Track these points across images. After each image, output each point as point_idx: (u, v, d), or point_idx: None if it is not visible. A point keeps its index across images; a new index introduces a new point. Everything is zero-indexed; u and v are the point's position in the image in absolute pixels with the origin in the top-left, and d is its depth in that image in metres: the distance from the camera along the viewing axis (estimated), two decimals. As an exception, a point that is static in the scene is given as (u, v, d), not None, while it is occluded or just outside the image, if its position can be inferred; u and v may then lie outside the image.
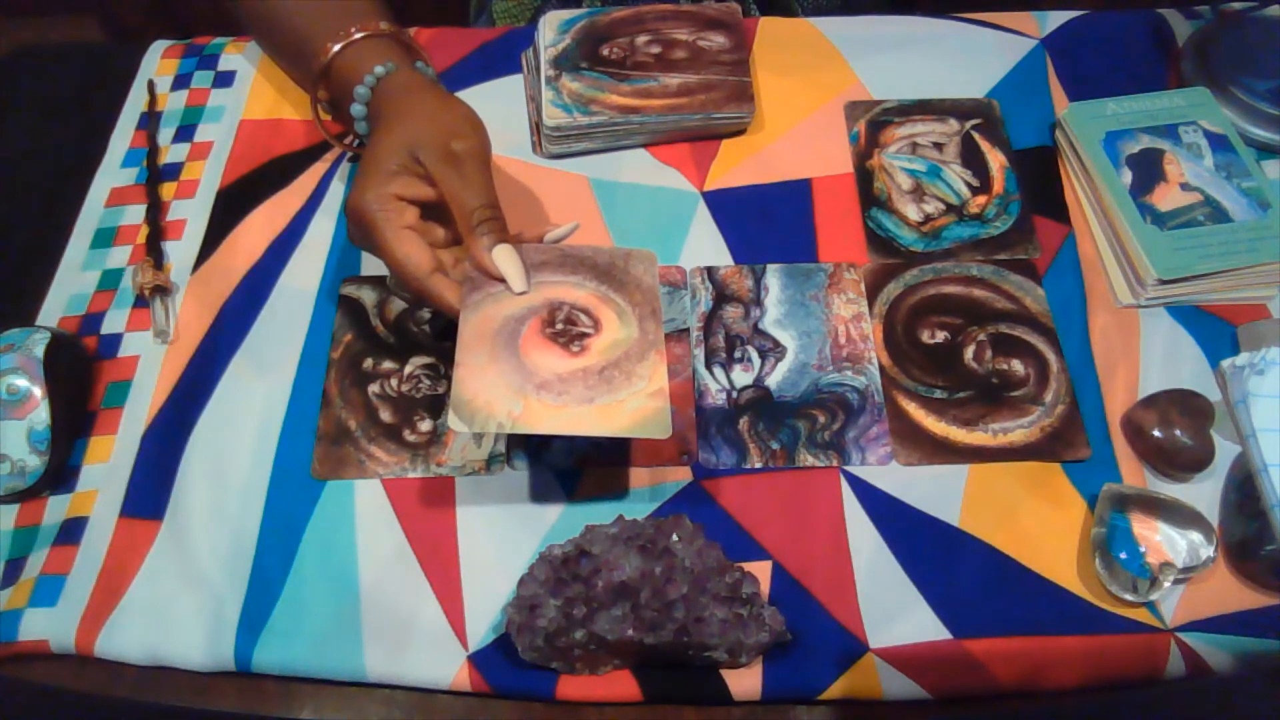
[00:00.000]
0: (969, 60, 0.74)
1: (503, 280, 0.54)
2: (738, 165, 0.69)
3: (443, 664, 0.51)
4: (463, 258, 0.56)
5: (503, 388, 0.51)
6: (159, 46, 0.77)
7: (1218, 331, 0.62)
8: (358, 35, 0.61)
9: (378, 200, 0.54)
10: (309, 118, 0.69)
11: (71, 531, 0.56)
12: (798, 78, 0.73)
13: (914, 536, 0.55)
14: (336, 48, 0.61)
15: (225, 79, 0.75)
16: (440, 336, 0.62)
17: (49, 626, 0.53)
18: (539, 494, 0.57)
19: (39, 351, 0.57)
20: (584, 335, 0.53)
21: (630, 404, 0.51)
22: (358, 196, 0.55)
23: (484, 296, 0.54)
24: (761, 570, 0.54)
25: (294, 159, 0.70)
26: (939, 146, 0.70)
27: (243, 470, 0.57)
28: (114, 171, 0.70)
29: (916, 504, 0.56)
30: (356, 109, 0.61)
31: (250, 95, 0.74)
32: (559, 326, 0.54)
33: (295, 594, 0.54)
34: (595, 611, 0.49)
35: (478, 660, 0.52)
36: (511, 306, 0.54)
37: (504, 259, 0.54)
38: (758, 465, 0.57)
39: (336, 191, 0.69)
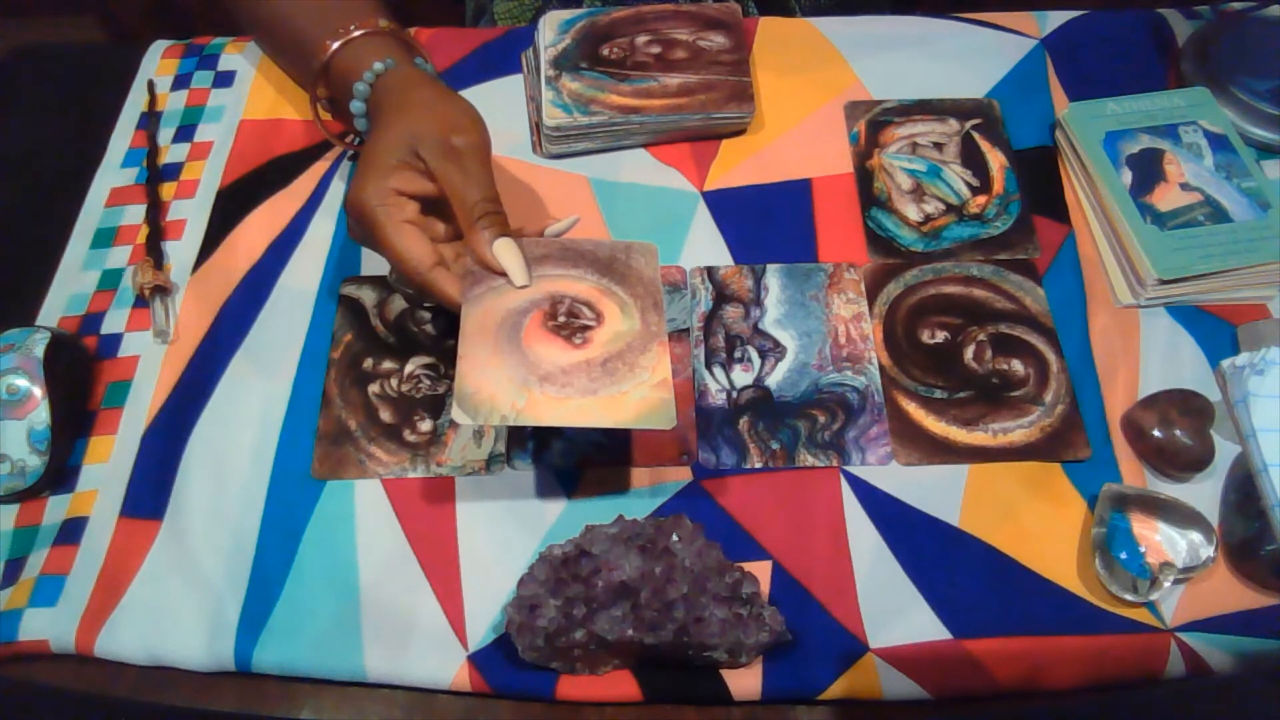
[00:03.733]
0: (969, 60, 0.74)
1: (504, 274, 0.54)
2: (738, 165, 0.69)
3: (443, 664, 0.52)
4: (464, 252, 0.56)
5: (506, 381, 0.51)
6: (159, 46, 0.77)
7: (1218, 331, 0.62)
8: (356, 33, 0.61)
9: (377, 195, 0.54)
10: (309, 117, 0.69)
11: (71, 531, 0.56)
12: (798, 78, 0.73)
13: (914, 536, 0.55)
14: (335, 45, 0.61)
15: (225, 79, 0.75)
16: (442, 334, 0.62)
17: (49, 626, 0.53)
18: (539, 494, 0.57)
19: (39, 351, 0.57)
20: (586, 327, 0.53)
21: (634, 395, 0.51)
22: (357, 191, 0.55)
23: (485, 290, 0.54)
24: (761, 570, 0.54)
25: (294, 159, 0.70)
26: (939, 146, 0.70)
27: (243, 470, 0.57)
28: (114, 171, 0.70)
29: (916, 504, 0.56)
30: (356, 106, 0.61)
31: (250, 95, 0.74)
32: (561, 319, 0.54)
33: (295, 594, 0.54)
34: (595, 611, 0.49)
35: (478, 660, 0.52)
36: (513, 300, 0.54)
37: (504, 253, 0.54)
38: (758, 465, 0.57)
39: (336, 191, 0.69)
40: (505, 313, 0.54)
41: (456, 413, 0.50)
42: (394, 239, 0.54)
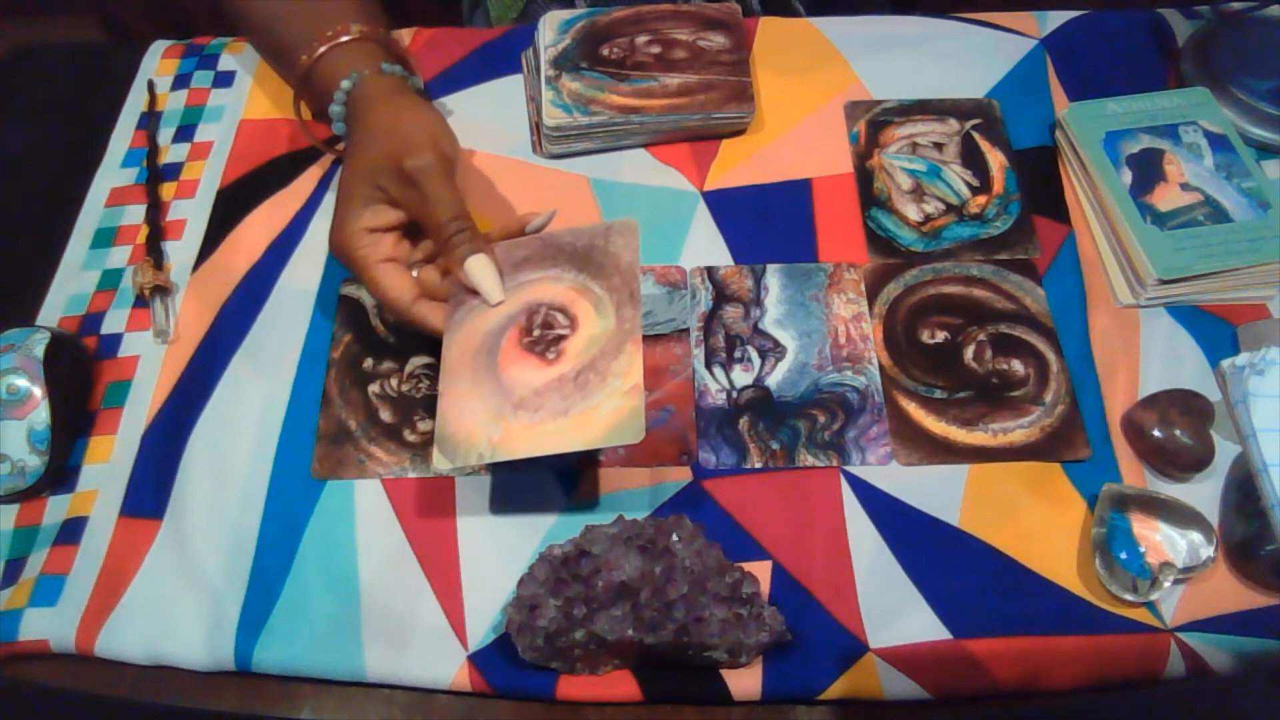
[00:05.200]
0: (969, 60, 0.74)
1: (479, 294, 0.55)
2: (738, 165, 0.69)
3: (443, 664, 0.52)
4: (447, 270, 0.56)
5: (482, 414, 0.51)
6: (159, 46, 0.77)
7: (1218, 331, 0.62)
8: (327, 45, 0.61)
9: (353, 238, 0.56)
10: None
11: (71, 531, 0.56)
12: (798, 78, 0.73)
13: (914, 536, 0.55)
14: (309, 61, 0.62)
15: (225, 79, 0.75)
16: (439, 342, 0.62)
17: (49, 626, 0.53)
18: (539, 494, 0.57)
19: (39, 351, 0.57)
20: (560, 338, 0.53)
21: (605, 407, 0.50)
22: (335, 237, 0.57)
23: (467, 312, 0.55)
24: (761, 570, 0.54)
25: (294, 159, 0.70)
26: (939, 146, 0.70)
27: (243, 470, 0.57)
28: (114, 171, 0.70)
29: (916, 504, 0.56)
30: (338, 127, 0.62)
31: (250, 95, 0.74)
32: (536, 334, 0.53)
33: (295, 594, 0.54)
34: (595, 611, 0.49)
35: (478, 660, 0.52)
36: (491, 319, 0.54)
37: (476, 272, 0.54)
38: (758, 465, 0.57)
39: (336, 192, 0.69)
40: (484, 335, 0.54)
41: (437, 457, 0.50)
42: (375, 279, 0.55)
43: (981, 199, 0.67)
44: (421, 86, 0.65)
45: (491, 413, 0.51)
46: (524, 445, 0.50)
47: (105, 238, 0.67)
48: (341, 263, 0.57)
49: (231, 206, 0.68)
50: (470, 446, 0.50)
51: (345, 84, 0.60)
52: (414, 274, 0.57)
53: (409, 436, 0.59)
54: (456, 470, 0.57)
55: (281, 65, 0.70)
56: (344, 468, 0.58)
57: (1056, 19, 0.76)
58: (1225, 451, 0.57)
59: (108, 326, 0.63)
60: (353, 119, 0.60)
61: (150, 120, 0.72)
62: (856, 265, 0.65)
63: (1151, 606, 0.52)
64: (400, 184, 0.55)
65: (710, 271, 0.64)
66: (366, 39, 0.62)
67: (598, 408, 0.50)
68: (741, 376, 0.60)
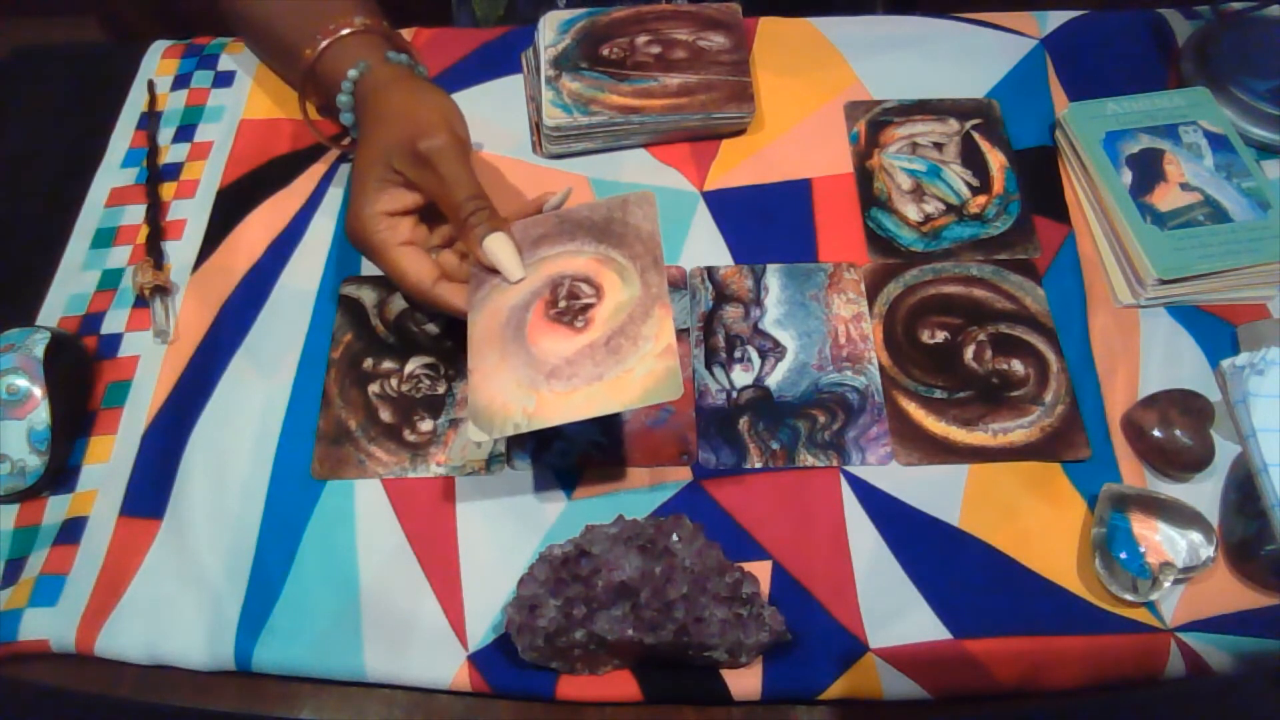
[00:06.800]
0: (969, 60, 0.74)
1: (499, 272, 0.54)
2: (738, 165, 0.69)
3: (443, 664, 0.52)
4: (466, 252, 0.56)
5: (515, 386, 0.51)
6: (159, 46, 0.77)
7: (1218, 331, 0.62)
8: (330, 39, 0.61)
9: (370, 222, 0.55)
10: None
11: (71, 531, 0.56)
12: (798, 78, 0.73)
13: (914, 536, 0.55)
14: (313, 55, 0.61)
15: (225, 79, 0.75)
16: (443, 334, 0.62)
17: (49, 626, 0.53)
18: (539, 494, 0.57)
19: (39, 351, 0.57)
20: (588, 307, 0.53)
21: (639, 370, 0.50)
22: (351, 221, 0.56)
23: (489, 291, 0.55)
24: (761, 570, 0.54)
25: (294, 159, 0.70)
26: (939, 146, 0.70)
27: (243, 470, 0.57)
28: (114, 171, 0.71)
29: (916, 504, 0.56)
30: (345, 118, 0.61)
31: (250, 95, 0.74)
32: (562, 305, 0.53)
33: (295, 594, 0.54)
34: (595, 611, 0.49)
35: (478, 660, 0.52)
36: (515, 295, 0.54)
37: (495, 249, 0.54)
38: (758, 465, 0.57)
39: (336, 192, 0.69)
40: (509, 311, 0.54)
41: (472, 430, 0.50)
42: (394, 263, 0.55)
43: (981, 199, 0.67)
44: (427, 75, 0.65)
45: (524, 384, 0.51)
46: (560, 412, 0.50)
47: (105, 238, 0.67)
48: (359, 249, 0.57)
49: (231, 206, 0.68)
50: (505, 417, 0.50)
51: (352, 73, 0.60)
52: (433, 257, 0.57)
53: (409, 436, 0.58)
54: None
55: (284, 65, 0.70)
56: (344, 468, 0.58)
57: (1056, 19, 0.76)
58: (1225, 451, 0.57)
59: (108, 326, 0.63)
60: (362, 107, 0.60)
61: (150, 120, 0.72)
62: (856, 265, 0.65)
63: (1151, 606, 0.52)
64: (416, 166, 0.55)
65: (710, 271, 0.64)
66: (370, 31, 0.63)
67: (632, 370, 0.50)
68: (741, 376, 0.60)
